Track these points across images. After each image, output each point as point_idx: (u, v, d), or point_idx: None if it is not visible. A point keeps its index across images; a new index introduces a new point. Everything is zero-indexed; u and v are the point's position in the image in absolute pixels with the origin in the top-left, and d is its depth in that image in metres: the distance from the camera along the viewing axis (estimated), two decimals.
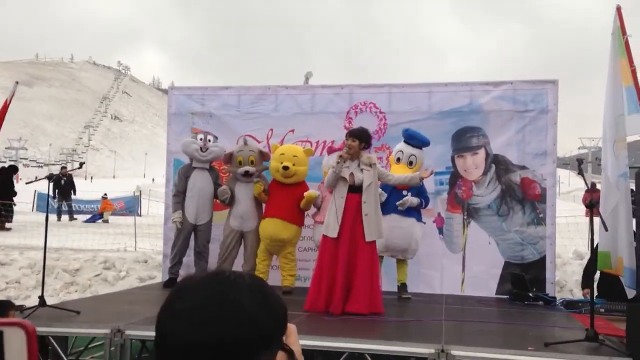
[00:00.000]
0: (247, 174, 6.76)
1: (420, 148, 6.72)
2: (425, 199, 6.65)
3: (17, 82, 6.43)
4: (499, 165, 7.26)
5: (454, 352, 4.09)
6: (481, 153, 7.32)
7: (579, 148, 77.53)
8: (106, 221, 18.58)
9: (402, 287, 6.58)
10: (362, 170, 5.54)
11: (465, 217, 7.31)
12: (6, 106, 5.91)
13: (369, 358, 4.29)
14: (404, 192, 6.46)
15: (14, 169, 15.82)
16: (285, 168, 6.56)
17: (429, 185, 7.20)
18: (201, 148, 6.91)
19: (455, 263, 7.24)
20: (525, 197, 7.13)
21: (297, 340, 1.07)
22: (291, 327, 1.07)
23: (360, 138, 5.60)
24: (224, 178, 7.26)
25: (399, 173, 6.32)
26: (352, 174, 5.52)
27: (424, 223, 7.18)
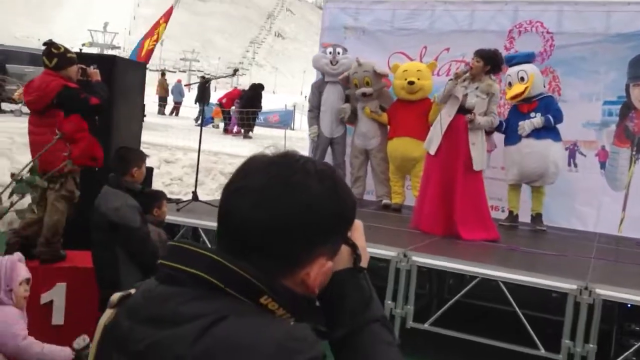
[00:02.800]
0: (364, 95, 6.63)
1: (525, 63, 6.16)
2: (554, 114, 5.94)
3: None
4: None
5: (600, 291, 3.82)
6: None
7: None
8: (216, 126, 19.78)
9: (537, 217, 6.18)
10: (477, 95, 5.23)
11: (634, 153, 6.64)
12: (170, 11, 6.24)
13: (502, 286, 4.16)
14: (531, 115, 5.96)
15: (261, 87, 17.91)
16: (411, 83, 6.37)
17: (595, 115, 6.57)
18: (331, 61, 6.88)
19: (616, 201, 6.65)
20: None
21: (362, 235, 1.04)
22: (357, 223, 1.03)
23: (487, 60, 5.24)
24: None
25: (512, 92, 6.06)
26: (466, 95, 5.22)
27: (584, 155, 6.62)
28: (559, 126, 6.01)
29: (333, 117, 6.93)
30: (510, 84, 6.16)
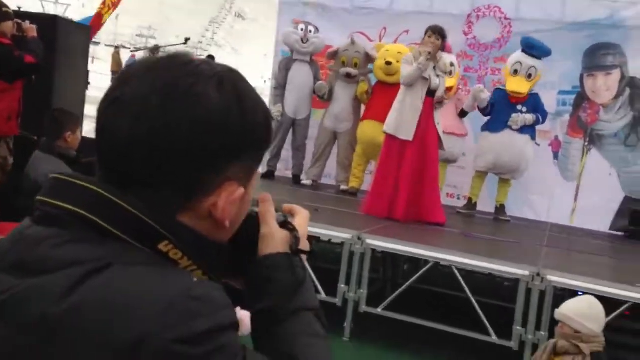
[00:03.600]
0: (348, 75, 6.46)
1: (540, 59, 6.01)
2: (542, 115, 6.02)
3: None
4: (634, 89, 6.51)
5: (551, 278, 3.79)
6: (615, 74, 6.58)
7: None
8: None
9: (501, 208, 6.18)
10: (437, 75, 5.15)
11: (586, 144, 6.70)
12: None
13: (455, 271, 4.09)
14: (519, 107, 5.91)
15: (212, 59, 16.84)
16: (388, 63, 6.17)
17: (550, 104, 6.58)
18: (302, 39, 6.63)
19: (567, 192, 6.72)
20: None
21: (305, 223, 0.91)
22: (304, 210, 0.92)
23: (444, 37, 5.18)
24: (325, 75, 7.00)
25: (515, 87, 5.83)
26: (429, 76, 5.11)
27: (538, 145, 6.65)
28: None
29: (299, 97, 6.68)
30: (516, 72, 5.92)
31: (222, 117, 0.73)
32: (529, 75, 5.93)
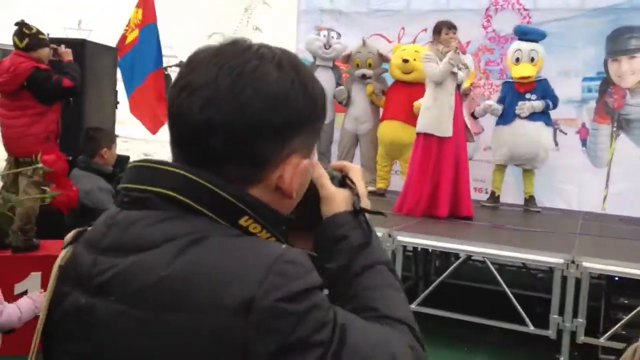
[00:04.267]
0: (363, 77, 6.52)
1: (537, 42, 6.03)
2: (553, 99, 5.97)
3: None
4: None
5: (586, 264, 3.78)
6: None
7: None
8: None
9: (530, 199, 6.14)
10: (459, 69, 5.14)
11: (614, 129, 6.61)
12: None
13: (489, 264, 4.10)
14: (527, 96, 5.90)
15: None
16: (405, 61, 6.21)
17: (575, 92, 6.54)
18: (324, 45, 6.75)
19: (598, 178, 6.63)
20: None
21: (360, 180, 0.95)
22: (356, 167, 0.96)
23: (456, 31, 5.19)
24: (344, 78, 7.07)
25: (521, 72, 5.89)
26: (456, 70, 5.13)
27: (565, 134, 6.60)
28: None
29: None
30: (518, 60, 6.01)
31: (285, 92, 0.79)
32: (532, 59, 5.96)
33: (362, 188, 0.94)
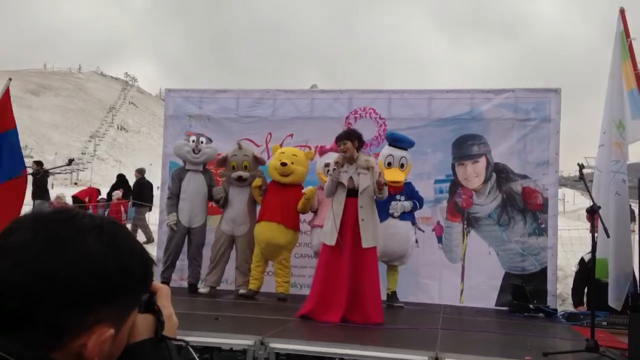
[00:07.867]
0: (240, 179, 6.64)
1: (406, 149, 6.57)
2: (419, 200, 6.51)
3: (10, 79, 6.32)
4: (500, 174, 7.14)
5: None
6: (482, 161, 7.20)
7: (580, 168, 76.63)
8: None
9: (393, 295, 6.40)
10: (359, 173, 5.30)
11: (465, 227, 7.18)
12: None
13: None
14: (397, 197, 6.33)
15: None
16: (283, 164, 6.41)
17: (429, 193, 7.07)
18: (193, 150, 6.81)
19: (454, 273, 7.09)
20: (526, 207, 7.00)
21: (168, 301, 0.95)
22: (164, 287, 0.95)
23: (352, 138, 5.37)
24: (219, 182, 7.14)
25: (392, 177, 6.23)
26: (350, 178, 5.30)
27: (423, 231, 7.07)
28: None
29: (192, 205, 6.76)
30: (390, 165, 6.41)
31: (96, 262, 0.80)
32: (402, 165, 6.45)
33: (169, 311, 0.94)
